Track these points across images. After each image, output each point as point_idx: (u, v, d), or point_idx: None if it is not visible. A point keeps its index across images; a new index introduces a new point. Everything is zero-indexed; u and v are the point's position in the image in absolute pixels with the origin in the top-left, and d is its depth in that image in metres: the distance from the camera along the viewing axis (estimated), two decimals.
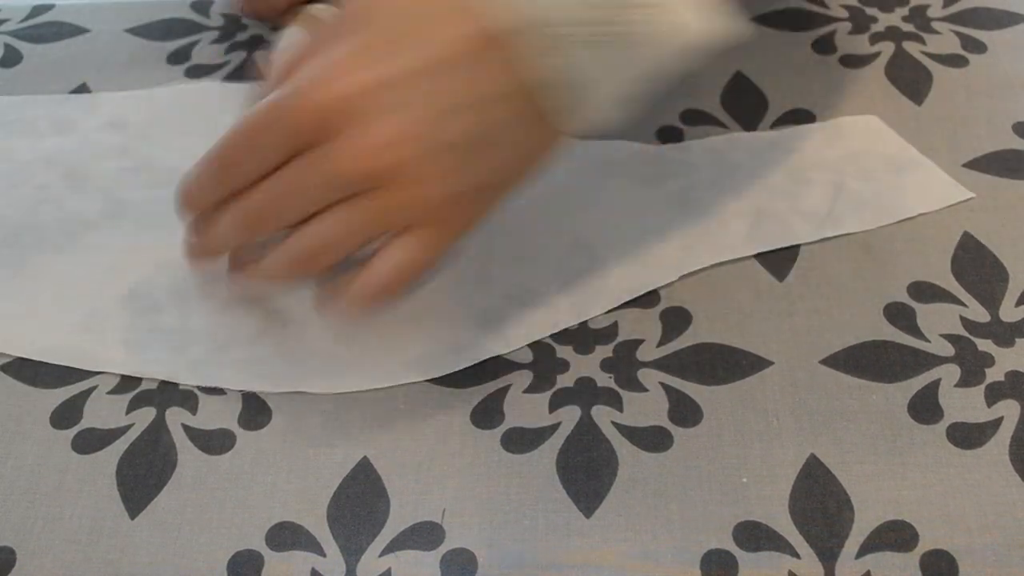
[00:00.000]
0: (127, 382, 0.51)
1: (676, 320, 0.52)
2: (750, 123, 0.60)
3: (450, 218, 0.46)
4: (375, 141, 0.43)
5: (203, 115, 0.63)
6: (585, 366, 0.50)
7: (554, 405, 0.49)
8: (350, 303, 0.46)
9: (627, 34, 0.43)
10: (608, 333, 0.51)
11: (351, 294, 0.46)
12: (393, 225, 0.45)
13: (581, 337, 0.52)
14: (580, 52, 0.43)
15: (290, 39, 0.51)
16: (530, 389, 0.50)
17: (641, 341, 0.51)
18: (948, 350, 0.50)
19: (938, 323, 0.51)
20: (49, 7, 0.71)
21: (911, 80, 0.61)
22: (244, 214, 0.46)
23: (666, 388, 0.49)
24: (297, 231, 0.46)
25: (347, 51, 0.44)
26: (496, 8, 0.43)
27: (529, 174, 0.47)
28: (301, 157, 0.44)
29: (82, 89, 0.65)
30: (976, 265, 0.53)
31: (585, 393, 0.50)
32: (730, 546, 0.44)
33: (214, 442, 0.49)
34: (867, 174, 0.56)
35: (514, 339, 0.51)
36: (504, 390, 0.50)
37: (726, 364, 0.50)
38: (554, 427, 0.49)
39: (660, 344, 0.51)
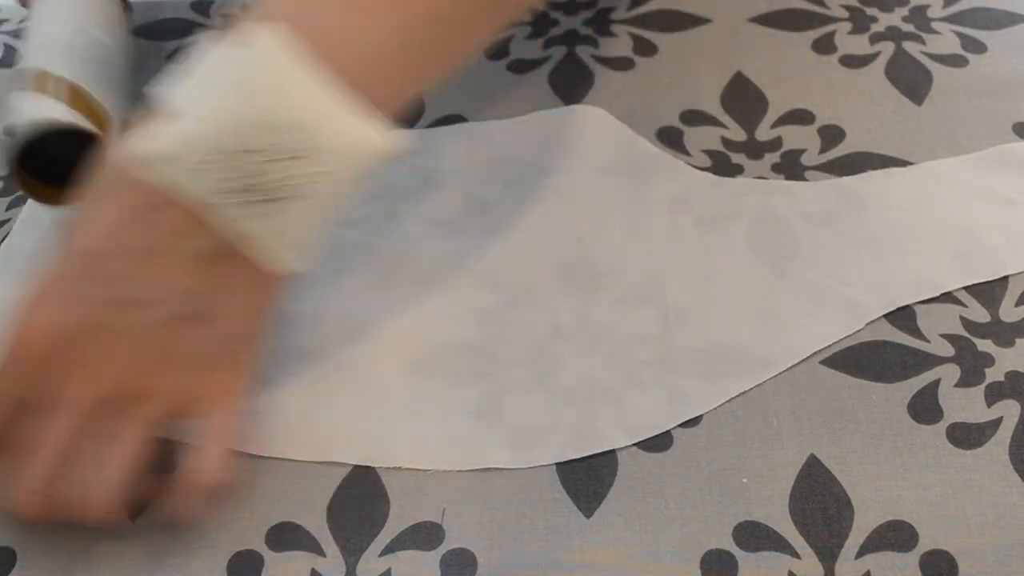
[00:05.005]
0: None
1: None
2: (750, 123, 0.60)
3: (218, 378, 0.46)
4: (97, 358, 0.44)
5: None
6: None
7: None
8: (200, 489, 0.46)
9: (275, 192, 0.43)
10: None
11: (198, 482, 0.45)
12: (170, 415, 0.46)
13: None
14: (238, 213, 0.43)
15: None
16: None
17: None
18: (948, 350, 0.50)
19: (938, 323, 0.51)
20: None
21: (911, 80, 0.61)
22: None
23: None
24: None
25: (38, 284, 0.45)
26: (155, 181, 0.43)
27: (263, 317, 0.48)
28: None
29: None
30: None
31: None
32: (730, 546, 0.44)
33: None
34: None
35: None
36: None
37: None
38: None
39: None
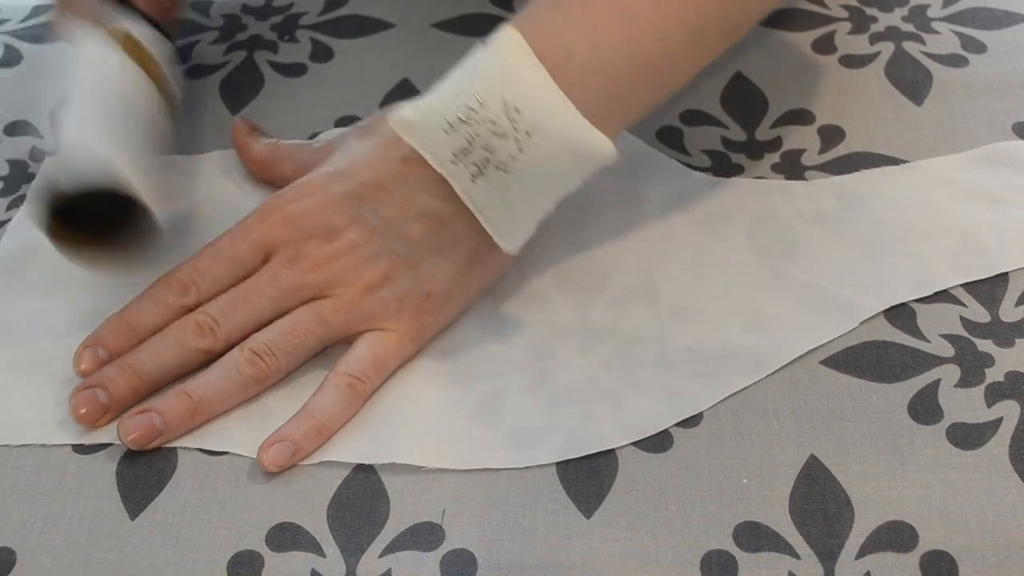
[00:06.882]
0: None
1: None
2: (750, 123, 0.60)
3: (401, 320, 0.50)
4: (317, 252, 0.50)
5: None
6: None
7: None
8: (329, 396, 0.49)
9: (503, 164, 0.47)
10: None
11: (330, 385, 0.49)
12: (342, 327, 0.50)
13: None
14: (469, 183, 0.48)
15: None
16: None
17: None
18: (948, 350, 0.50)
19: (938, 323, 0.51)
20: (49, 7, 0.71)
21: (911, 80, 0.61)
22: (200, 317, 0.50)
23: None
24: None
25: (300, 181, 0.52)
26: (406, 140, 0.49)
27: (475, 287, 0.52)
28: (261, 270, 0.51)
29: None
30: None
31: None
32: (730, 547, 0.44)
33: None
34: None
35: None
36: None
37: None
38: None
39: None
